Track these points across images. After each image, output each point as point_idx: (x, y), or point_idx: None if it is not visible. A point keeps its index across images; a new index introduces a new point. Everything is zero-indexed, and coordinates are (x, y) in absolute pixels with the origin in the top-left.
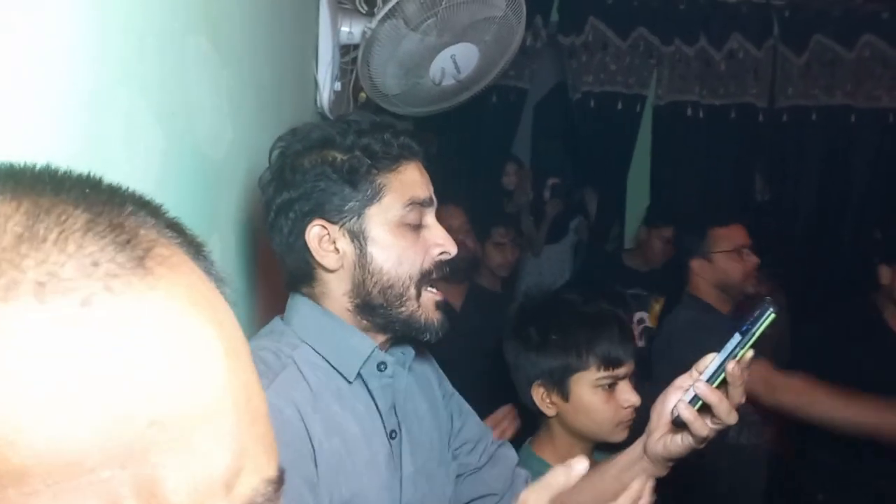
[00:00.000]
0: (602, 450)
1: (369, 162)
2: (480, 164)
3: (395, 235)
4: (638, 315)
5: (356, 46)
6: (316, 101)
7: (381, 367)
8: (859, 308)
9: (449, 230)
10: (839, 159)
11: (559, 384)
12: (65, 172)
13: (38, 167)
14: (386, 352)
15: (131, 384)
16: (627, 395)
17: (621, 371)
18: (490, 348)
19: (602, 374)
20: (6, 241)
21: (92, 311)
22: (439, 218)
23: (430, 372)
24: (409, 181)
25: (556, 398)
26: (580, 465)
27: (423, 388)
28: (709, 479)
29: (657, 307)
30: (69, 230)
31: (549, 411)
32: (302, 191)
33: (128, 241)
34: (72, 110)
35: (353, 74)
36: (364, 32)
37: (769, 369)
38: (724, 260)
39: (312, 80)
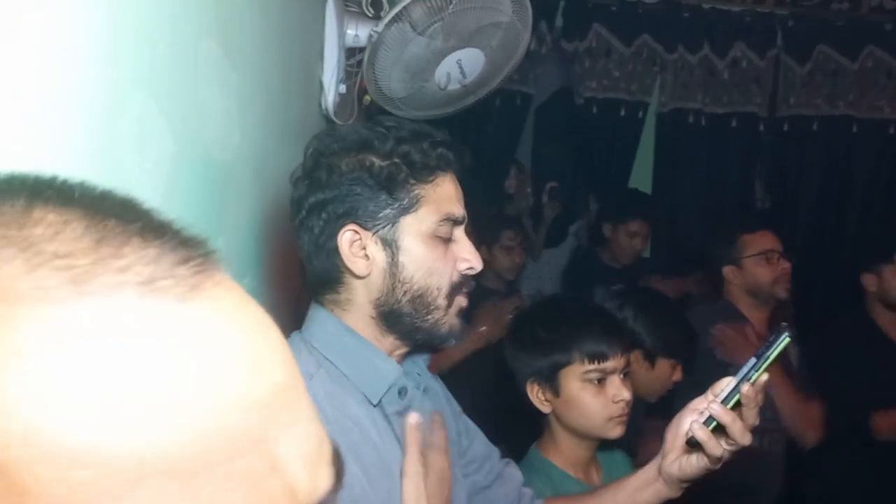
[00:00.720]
0: (601, 448)
1: (407, 171)
2: (483, 168)
3: (427, 246)
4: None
5: (362, 49)
6: (321, 103)
7: (402, 392)
8: (855, 317)
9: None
10: (840, 169)
11: (550, 380)
12: (103, 191)
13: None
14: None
15: (245, 367)
16: (617, 390)
17: (609, 365)
18: (494, 351)
19: (588, 367)
20: (86, 244)
21: (187, 307)
22: None
23: (440, 390)
24: (445, 195)
25: (549, 395)
26: (412, 418)
27: (437, 406)
28: (725, 485)
29: None
30: (134, 242)
31: (545, 408)
32: (337, 193)
33: (181, 254)
34: (85, 116)
35: (359, 77)
36: (370, 36)
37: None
38: (754, 265)
39: (317, 82)
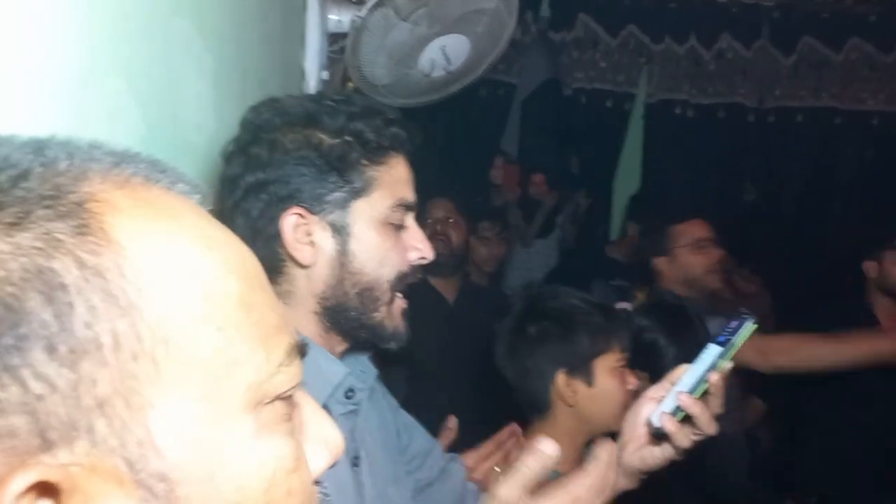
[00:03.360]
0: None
1: (360, 150)
2: (467, 158)
3: (379, 234)
4: (621, 305)
5: (345, 35)
6: (302, 90)
7: (349, 394)
8: (849, 305)
9: (436, 221)
10: (824, 160)
11: (583, 370)
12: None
13: None
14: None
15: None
16: (632, 378)
17: (627, 355)
18: (477, 343)
19: (621, 356)
20: None
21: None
22: (430, 209)
23: (377, 385)
24: (399, 179)
25: (579, 385)
26: (548, 446)
27: (375, 404)
28: (685, 469)
29: (641, 297)
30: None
31: (571, 400)
32: (280, 173)
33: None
34: (57, 94)
35: (342, 64)
36: (353, 21)
37: (755, 338)
38: (686, 255)
39: (299, 68)
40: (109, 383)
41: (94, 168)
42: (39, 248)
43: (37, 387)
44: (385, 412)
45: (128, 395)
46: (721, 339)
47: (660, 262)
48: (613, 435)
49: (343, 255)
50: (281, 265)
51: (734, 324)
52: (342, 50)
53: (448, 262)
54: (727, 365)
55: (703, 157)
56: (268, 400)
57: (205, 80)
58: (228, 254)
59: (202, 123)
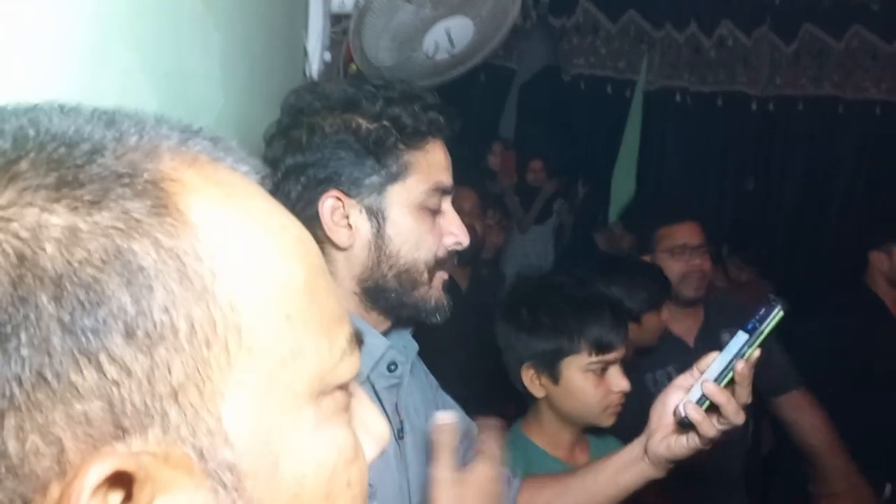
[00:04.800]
0: (593, 432)
1: (397, 135)
2: (466, 143)
3: (416, 218)
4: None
5: (348, 16)
6: (305, 71)
7: (392, 367)
8: (859, 300)
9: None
10: (825, 150)
11: (550, 367)
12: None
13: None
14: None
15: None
16: (618, 381)
17: (612, 356)
18: (476, 329)
19: (593, 358)
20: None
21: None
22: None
23: (418, 363)
24: (436, 163)
25: (545, 381)
26: (443, 417)
27: (418, 379)
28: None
29: None
30: None
31: (538, 393)
32: (319, 156)
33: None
34: (69, 69)
35: (344, 45)
36: (357, 2)
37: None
38: (664, 259)
39: (302, 49)
40: (183, 370)
41: (163, 145)
42: (119, 229)
43: (113, 372)
44: (426, 389)
45: (200, 383)
46: (749, 326)
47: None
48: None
49: (379, 238)
50: (320, 247)
51: (763, 311)
52: (345, 31)
53: (469, 252)
54: (755, 353)
55: (703, 146)
56: (329, 390)
57: (212, 59)
58: (294, 239)
59: (210, 101)
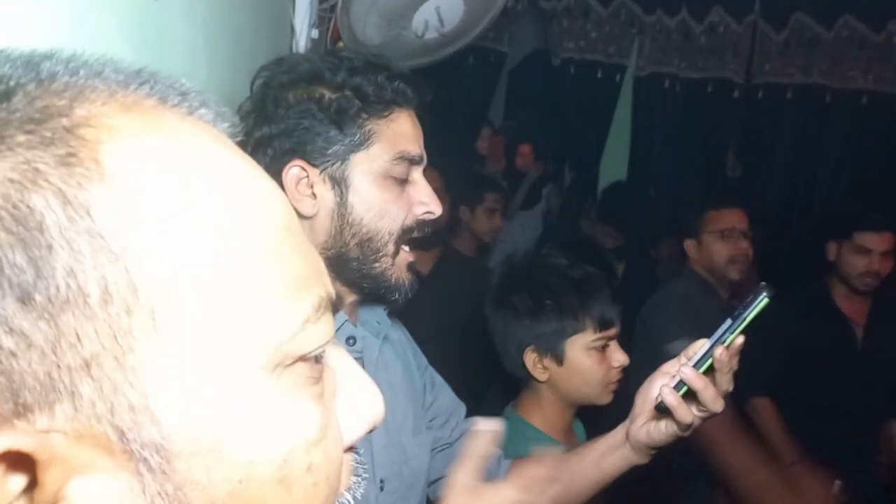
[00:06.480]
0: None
1: (359, 104)
2: (455, 127)
3: (379, 187)
4: None
5: None
6: (291, 48)
7: (350, 341)
8: (811, 290)
9: None
10: (812, 138)
11: (553, 348)
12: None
13: None
14: (357, 320)
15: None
16: (618, 356)
17: (612, 332)
18: (462, 312)
19: (597, 335)
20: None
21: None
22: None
23: (405, 341)
24: (401, 132)
25: (549, 362)
26: (486, 425)
27: (400, 356)
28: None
29: (620, 269)
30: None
31: (542, 376)
32: (283, 127)
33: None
34: (47, 31)
35: (332, 22)
36: None
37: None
38: (712, 241)
39: (289, 26)
40: (97, 340)
41: (98, 87)
42: (15, 181)
43: (9, 342)
44: (412, 366)
45: (119, 355)
46: (736, 312)
47: (689, 244)
48: (605, 408)
49: (342, 206)
50: None
51: (750, 297)
52: (333, 8)
53: (432, 235)
54: (738, 340)
55: (692, 132)
56: (289, 361)
57: (195, 28)
58: (250, 192)
59: (193, 72)
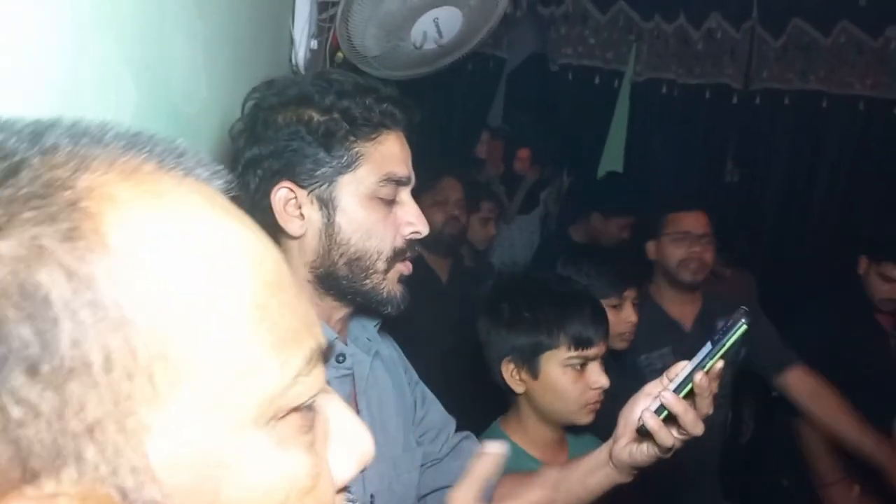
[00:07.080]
0: (573, 432)
1: (347, 127)
2: (454, 133)
3: (366, 208)
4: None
5: (335, 3)
6: (291, 58)
7: (340, 358)
8: (852, 304)
9: (446, 203)
10: (809, 144)
11: (529, 361)
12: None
13: None
14: (347, 337)
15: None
16: (597, 377)
17: (591, 352)
18: (459, 322)
19: (572, 353)
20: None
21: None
22: (439, 189)
23: (397, 357)
24: (389, 154)
25: (525, 375)
26: (494, 447)
27: (391, 371)
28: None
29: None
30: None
31: (518, 388)
32: (273, 148)
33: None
34: (51, 59)
35: (331, 33)
36: None
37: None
38: (667, 243)
39: (288, 37)
40: (100, 406)
41: (100, 155)
42: (22, 258)
43: (17, 412)
44: (403, 382)
45: (121, 419)
46: (715, 337)
47: (649, 246)
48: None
49: (330, 227)
50: (275, 236)
51: (729, 322)
52: (332, 19)
53: (453, 242)
54: (717, 364)
55: (689, 138)
56: (282, 414)
57: (195, 47)
58: (243, 252)
59: (193, 92)
